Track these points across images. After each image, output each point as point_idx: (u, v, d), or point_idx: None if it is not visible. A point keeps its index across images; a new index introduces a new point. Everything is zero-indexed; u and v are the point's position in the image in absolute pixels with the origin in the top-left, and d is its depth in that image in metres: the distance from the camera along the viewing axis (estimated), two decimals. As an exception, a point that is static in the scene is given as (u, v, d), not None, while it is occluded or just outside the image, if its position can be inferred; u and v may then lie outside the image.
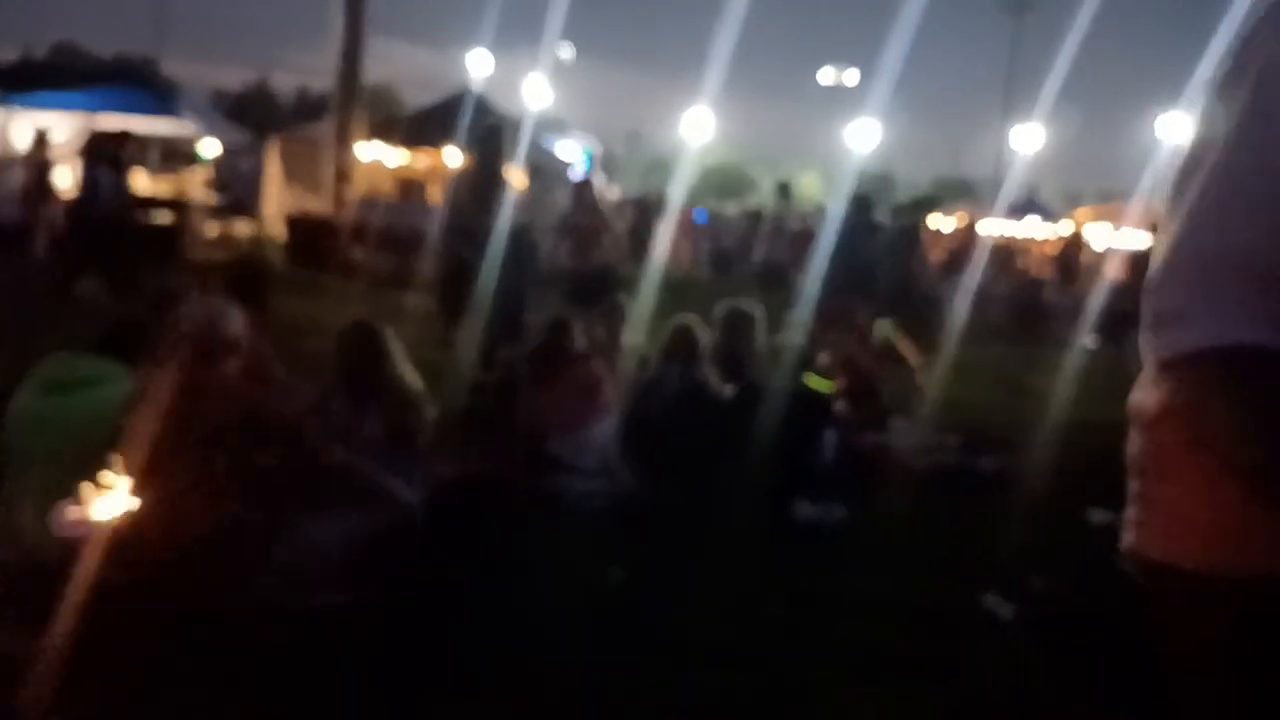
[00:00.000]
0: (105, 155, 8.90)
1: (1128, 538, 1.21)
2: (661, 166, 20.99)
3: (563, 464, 4.44)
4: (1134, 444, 1.20)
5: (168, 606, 2.75)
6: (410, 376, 3.97)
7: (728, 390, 4.64)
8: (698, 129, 16.68)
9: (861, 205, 8.85)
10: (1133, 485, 1.21)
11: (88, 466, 3.08)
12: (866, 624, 3.26)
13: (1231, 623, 1.07)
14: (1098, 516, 4.12)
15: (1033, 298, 13.41)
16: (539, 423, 4.63)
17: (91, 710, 2.52)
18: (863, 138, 23.54)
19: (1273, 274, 0.98)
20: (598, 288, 8.45)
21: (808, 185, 38.83)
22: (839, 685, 2.88)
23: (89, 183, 8.82)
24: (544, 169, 14.61)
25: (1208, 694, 1.13)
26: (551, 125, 20.84)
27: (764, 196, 22.04)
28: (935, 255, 14.15)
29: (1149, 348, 1.07)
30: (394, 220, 12.63)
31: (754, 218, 18.95)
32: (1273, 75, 1.01)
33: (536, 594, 3.38)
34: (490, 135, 7.79)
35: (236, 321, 3.31)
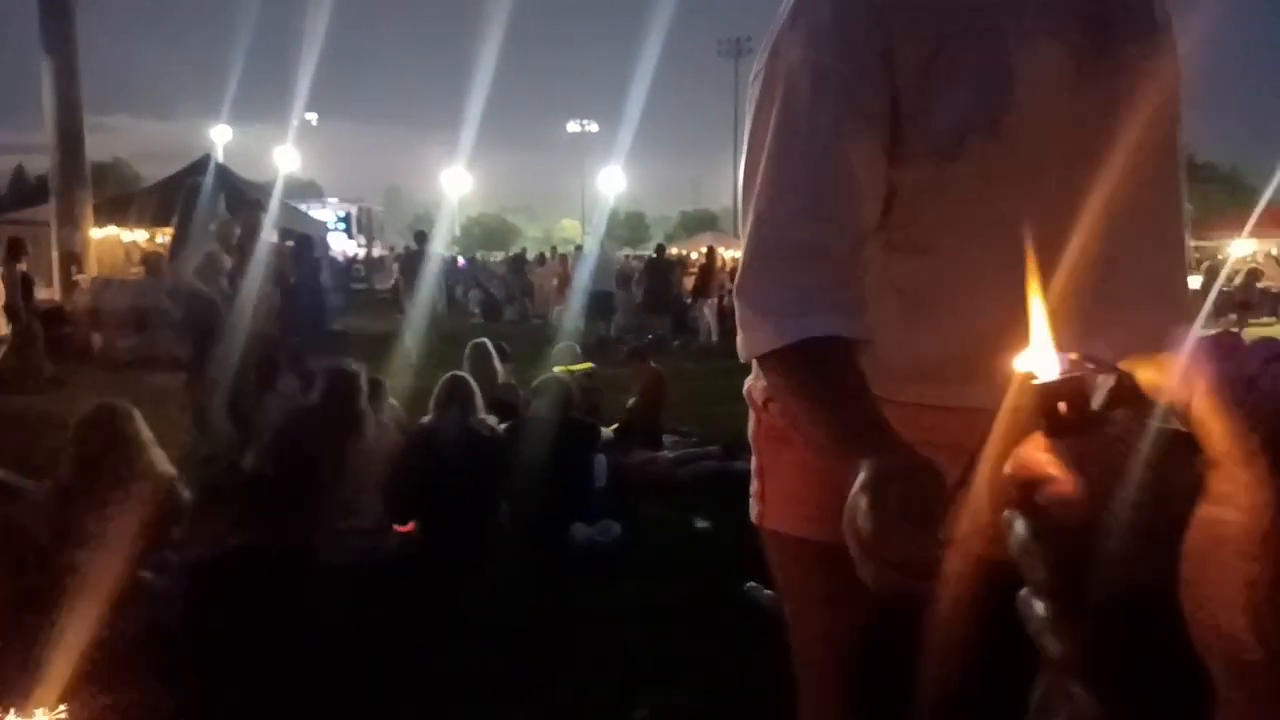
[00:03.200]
0: None
1: (753, 509, 1.31)
2: (423, 221, 20.85)
3: (336, 522, 4.34)
4: (751, 424, 1.33)
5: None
6: (160, 460, 3.77)
7: (500, 428, 4.70)
8: (454, 183, 16.75)
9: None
10: (754, 462, 1.32)
11: None
12: (644, 630, 3.40)
13: (828, 587, 1.12)
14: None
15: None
16: (306, 488, 4.49)
17: None
18: (611, 182, 24.54)
19: (828, 264, 1.04)
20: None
21: (568, 229, 39.90)
22: (622, 694, 2.99)
23: None
24: (299, 233, 14.16)
25: (818, 652, 1.23)
26: (304, 189, 20.23)
27: (527, 243, 22.37)
28: (687, 282, 15.04)
29: (741, 347, 1.13)
30: (134, 300, 11.83)
31: (517, 263, 19.20)
32: (793, 91, 1.06)
33: (311, 652, 3.30)
34: (191, 196, 7.54)
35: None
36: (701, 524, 4.54)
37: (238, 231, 7.28)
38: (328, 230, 17.10)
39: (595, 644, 3.34)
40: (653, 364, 6.12)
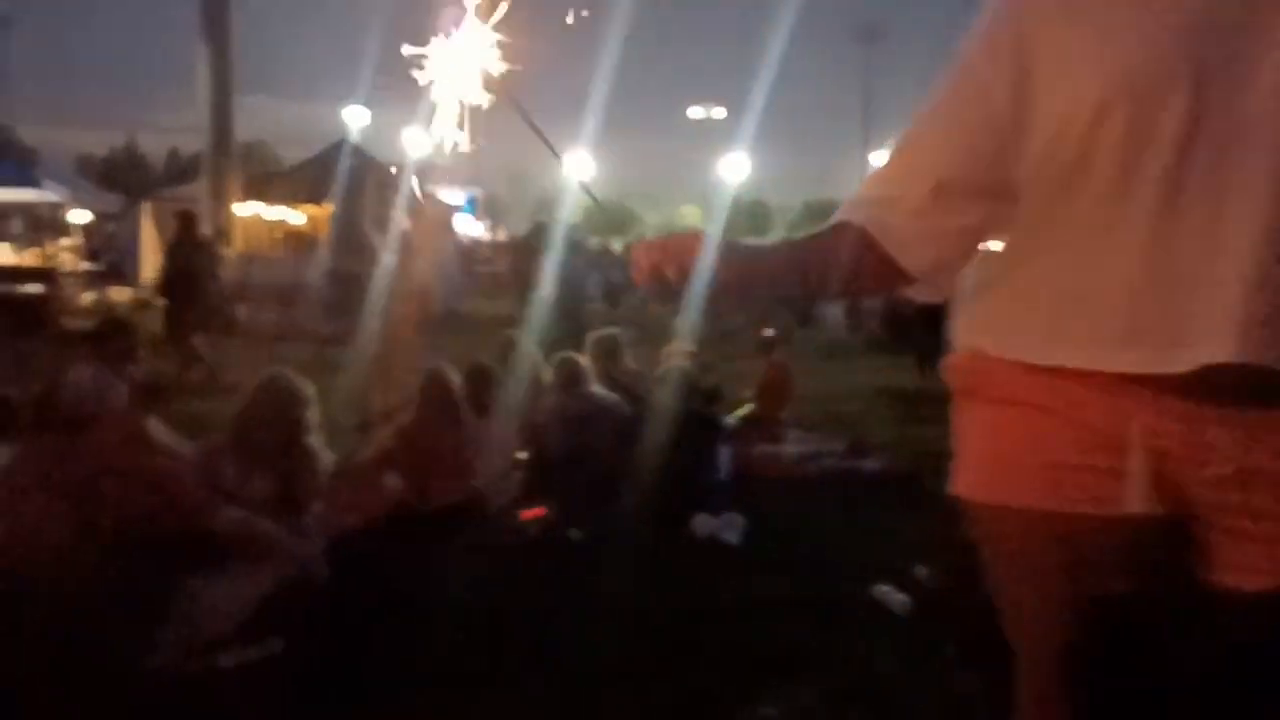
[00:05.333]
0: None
1: (958, 479, 1.29)
2: (545, 206, 21.13)
3: (462, 503, 4.45)
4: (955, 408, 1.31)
5: (56, 667, 2.68)
6: (315, 431, 3.95)
7: (624, 407, 4.72)
8: (579, 167, 16.94)
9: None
10: (957, 430, 1.31)
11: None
12: (767, 626, 3.36)
13: (1057, 557, 1.14)
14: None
15: (902, 309, 14.00)
16: (435, 468, 4.62)
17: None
18: (734, 169, 24.19)
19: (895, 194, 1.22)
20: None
21: (689, 216, 39.65)
22: (752, 687, 2.97)
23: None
24: (427, 215, 14.54)
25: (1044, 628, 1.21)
26: (432, 172, 20.76)
27: (647, 229, 22.41)
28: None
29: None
30: (276, 275, 12.42)
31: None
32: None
33: (441, 630, 3.37)
34: (356, 179, 7.78)
35: (106, 387, 3.25)
36: (826, 522, 4.47)
37: (389, 213, 7.51)
38: (455, 212, 17.48)
39: (718, 638, 3.32)
40: (778, 357, 6.05)
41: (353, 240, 7.57)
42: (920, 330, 7.60)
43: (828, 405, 6.43)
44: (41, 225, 15.45)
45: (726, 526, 4.22)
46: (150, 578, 3.12)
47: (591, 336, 5.45)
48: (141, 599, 3.10)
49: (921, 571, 3.68)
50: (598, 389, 4.76)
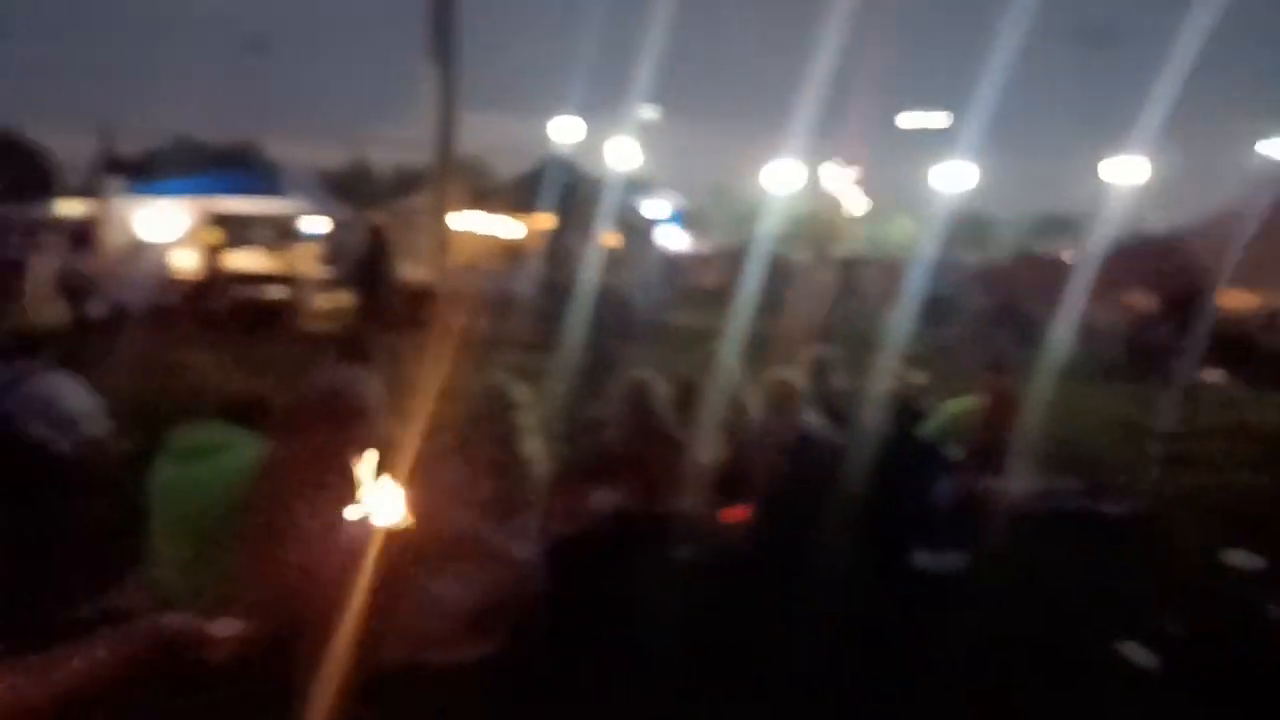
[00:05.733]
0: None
1: None
2: (749, 218, 21.05)
3: (668, 514, 4.43)
4: None
5: (301, 663, 2.84)
6: (533, 438, 4.05)
7: (836, 437, 4.58)
8: (785, 178, 16.64)
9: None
10: None
11: (214, 527, 3.25)
12: (995, 672, 3.15)
13: None
14: (1236, 559, 3.90)
15: (1143, 332, 12.92)
16: (642, 478, 4.63)
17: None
18: (953, 179, 23.11)
19: None
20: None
21: (899, 229, 38.27)
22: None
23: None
24: (633, 227, 14.84)
25: None
26: (638, 184, 21.18)
27: (854, 243, 21.89)
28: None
29: None
30: (490, 285, 13.00)
31: (847, 266, 18.73)
32: None
33: (652, 646, 3.36)
34: (569, 198, 8.00)
35: (366, 388, 3.44)
36: (1059, 566, 4.15)
37: (595, 225, 7.72)
38: (658, 225, 17.71)
39: (933, 675, 3.13)
40: (1004, 379, 5.64)
41: (562, 252, 7.82)
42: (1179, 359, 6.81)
43: (1060, 437, 5.99)
44: (285, 233, 16.92)
45: (947, 561, 3.99)
46: (384, 572, 3.29)
47: (804, 354, 5.33)
48: (376, 593, 3.27)
49: (1170, 627, 3.34)
50: (810, 416, 4.63)
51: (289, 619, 3.04)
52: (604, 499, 4.45)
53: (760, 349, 9.23)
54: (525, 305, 10.32)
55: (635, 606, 3.57)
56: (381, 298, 10.21)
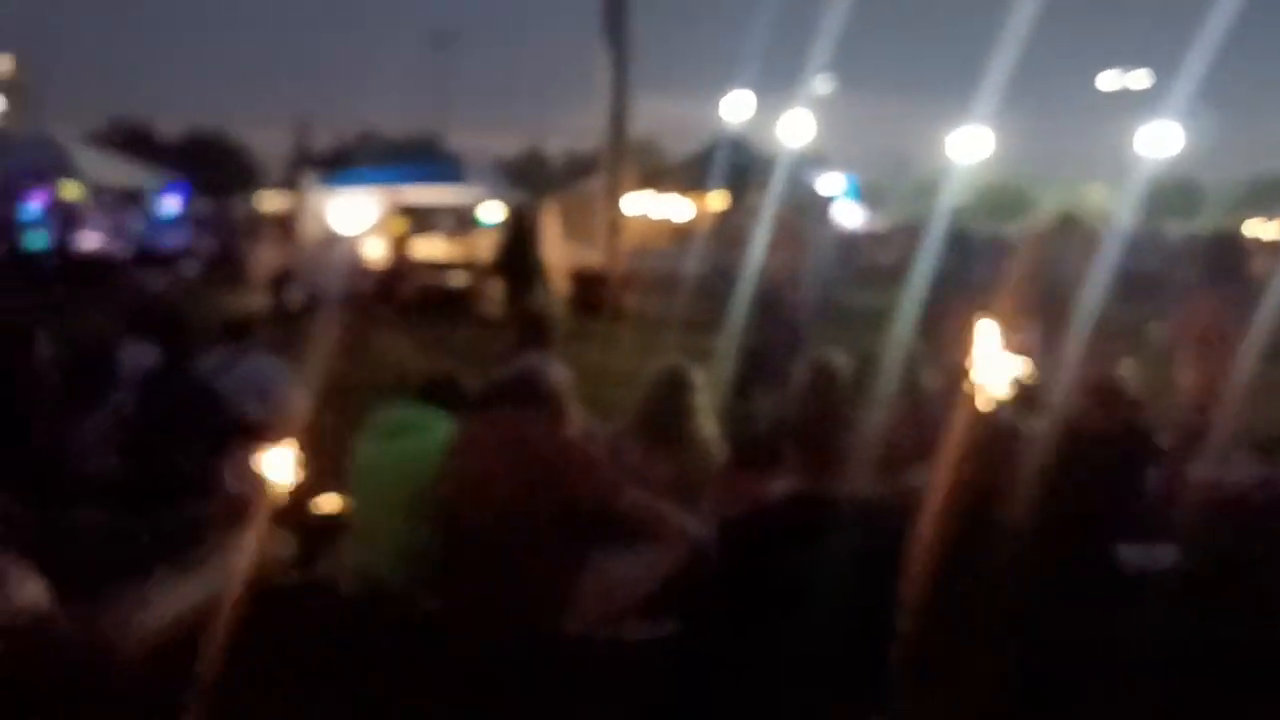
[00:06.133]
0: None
1: None
2: (929, 191, 20.23)
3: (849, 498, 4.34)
4: None
5: (491, 631, 2.96)
6: (708, 420, 4.05)
7: (1032, 424, 4.33)
8: (970, 147, 15.83)
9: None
10: None
11: (410, 501, 3.43)
12: (1210, 677, 2.91)
13: None
14: None
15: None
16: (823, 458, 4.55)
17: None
18: (1157, 143, 21.26)
19: None
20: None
21: (1094, 197, 35.83)
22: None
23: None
24: (806, 204, 14.58)
25: None
26: (812, 160, 20.79)
27: (1044, 214, 20.58)
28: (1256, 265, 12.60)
29: None
30: (661, 266, 13.12)
31: (1041, 238, 17.63)
32: None
33: (828, 632, 3.28)
34: (741, 173, 7.90)
35: (553, 372, 3.56)
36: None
37: (767, 203, 7.64)
38: (833, 202, 17.33)
39: (1137, 681, 2.94)
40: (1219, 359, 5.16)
41: (732, 231, 7.78)
42: None
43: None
44: (465, 221, 17.73)
45: (1157, 557, 3.71)
46: (566, 547, 3.39)
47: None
48: (559, 566, 3.37)
49: None
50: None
51: (479, 589, 3.19)
52: (781, 482, 4.41)
53: (944, 329, 8.87)
54: (696, 286, 10.33)
55: (809, 592, 3.51)
56: (528, 281, 10.53)
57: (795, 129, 18.21)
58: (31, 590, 1.17)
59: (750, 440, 5.15)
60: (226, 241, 19.30)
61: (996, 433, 4.24)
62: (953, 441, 4.33)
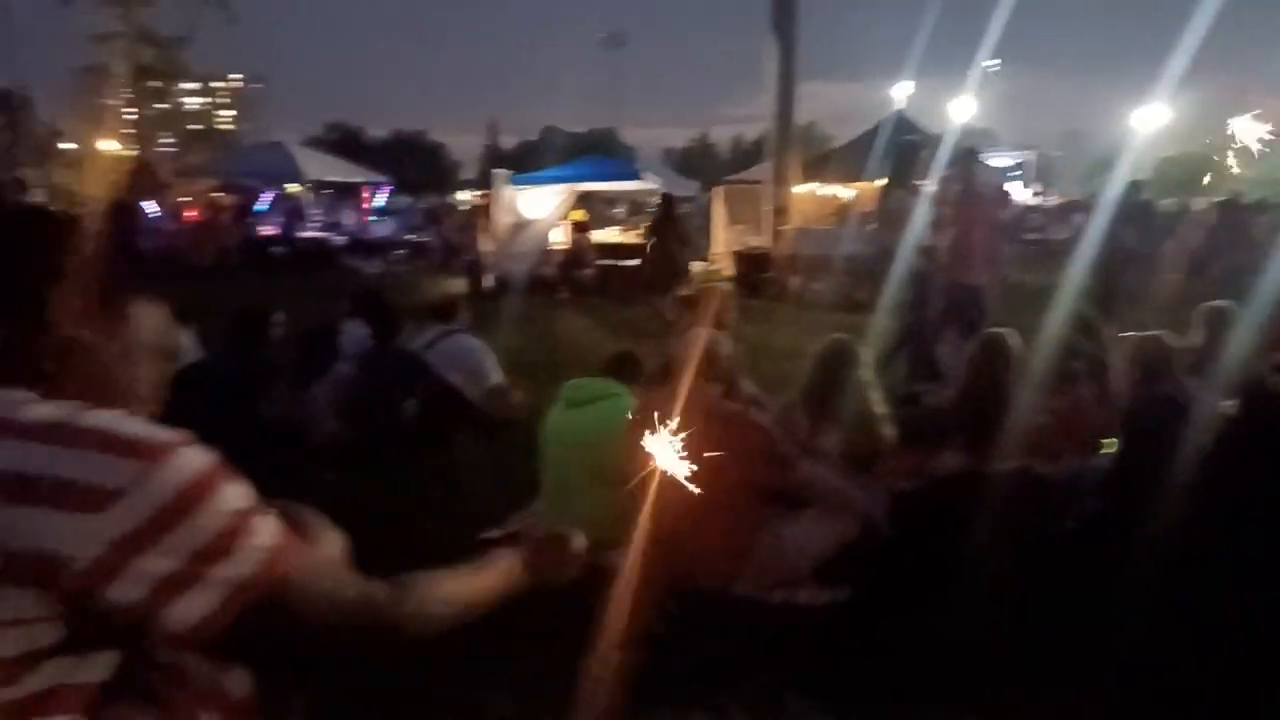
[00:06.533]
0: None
1: None
2: (1104, 166, 19.10)
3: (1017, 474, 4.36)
4: None
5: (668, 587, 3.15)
6: (876, 395, 4.17)
7: (1225, 405, 4.17)
8: (1149, 120, 14.81)
9: None
10: None
11: (596, 466, 3.69)
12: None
13: None
14: None
15: None
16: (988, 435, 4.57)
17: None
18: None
19: None
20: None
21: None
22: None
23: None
24: (974, 183, 14.16)
25: None
26: (980, 138, 20.12)
27: (1237, 184, 19.05)
28: None
29: None
30: (826, 248, 13.17)
31: (1226, 209, 16.34)
32: None
33: (987, 609, 3.19)
34: (905, 153, 7.86)
35: (724, 347, 3.79)
36: None
37: (929, 184, 7.61)
38: (1003, 179, 16.77)
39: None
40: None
41: (898, 213, 7.76)
42: None
43: None
44: (639, 210, 18.38)
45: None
46: (743, 513, 3.59)
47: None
48: (736, 531, 3.57)
49: None
50: (1187, 382, 4.32)
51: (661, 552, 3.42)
52: (949, 457, 4.48)
53: (1126, 306, 8.55)
54: (860, 268, 10.36)
55: (973, 569, 3.54)
56: (673, 264, 10.91)
57: (962, 108, 17.67)
58: (335, 541, 1.36)
59: (919, 416, 5.21)
60: (430, 232, 21.00)
61: (1176, 413, 4.16)
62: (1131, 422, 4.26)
